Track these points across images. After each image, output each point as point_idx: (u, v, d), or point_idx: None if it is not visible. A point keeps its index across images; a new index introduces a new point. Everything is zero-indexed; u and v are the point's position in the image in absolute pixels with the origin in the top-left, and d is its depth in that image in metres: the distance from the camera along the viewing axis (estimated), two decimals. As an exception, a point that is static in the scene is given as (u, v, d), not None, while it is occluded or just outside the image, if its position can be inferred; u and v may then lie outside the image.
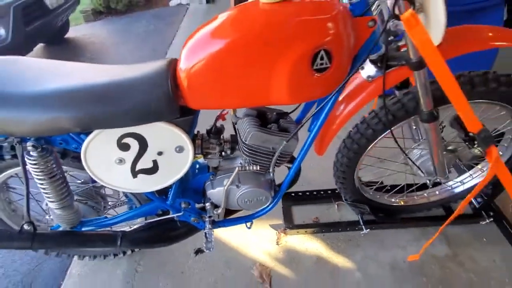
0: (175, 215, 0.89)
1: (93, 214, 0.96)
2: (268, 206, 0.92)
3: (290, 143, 0.78)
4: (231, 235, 1.23)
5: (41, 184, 0.75)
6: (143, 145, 0.72)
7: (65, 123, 0.63)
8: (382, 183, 1.16)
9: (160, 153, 0.74)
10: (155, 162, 0.75)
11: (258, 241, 1.22)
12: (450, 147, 0.91)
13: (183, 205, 0.88)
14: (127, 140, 0.70)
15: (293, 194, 1.33)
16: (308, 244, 1.19)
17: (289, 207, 1.32)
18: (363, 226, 1.15)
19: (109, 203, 1.07)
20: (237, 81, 0.62)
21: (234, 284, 1.09)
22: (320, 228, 1.21)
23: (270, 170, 0.84)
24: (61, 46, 3.83)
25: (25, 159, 0.71)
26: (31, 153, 0.70)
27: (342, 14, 0.60)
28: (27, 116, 0.62)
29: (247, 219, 0.96)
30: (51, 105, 0.62)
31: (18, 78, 0.66)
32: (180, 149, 0.74)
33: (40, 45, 3.73)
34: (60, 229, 0.88)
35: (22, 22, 2.46)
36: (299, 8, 0.59)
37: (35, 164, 0.71)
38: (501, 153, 1.02)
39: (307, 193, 1.33)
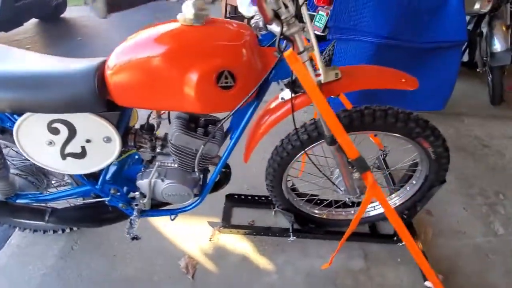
0: (105, 199, 0.97)
1: (32, 189, 1.03)
2: (193, 203, 1.01)
3: (209, 147, 0.86)
4: (170, 227, 1.31)
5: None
6: (72, 132, 0.80)
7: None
8: (311, 195, 1.25)
9: (88, 141, 0.82)
10: (83, 148, 0.83)
11: (193, 235, 1.30)
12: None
13: (112, 191, 0.96)
14: (57, 125, 0.78)
15: (236, 196, 1.41)
16: (238, 243, 1.27)
17: (230, 208, 1.40)
18: (291, 234, 1.24)
19: (54, 182, 1.14)
20: (154, 87, 0.71)
21: (159, 271, 1.16)
22: (253, 230, 1.30)
23: (196, 170, 0.93)
24: (54, 25, 3.87)
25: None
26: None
27: (249, 43, 0.70)
28: None
29: (172, 212, 1.04)
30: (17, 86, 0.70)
31: None
32: (107, 140, 0.82)
33: (34, 21, 3.77)
34: (-5, 198, 0.95)
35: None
36: (210, 34, 0.70)
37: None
38: (414, 181, 1.13)
39: (249, 197, 1.42)
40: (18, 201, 0.97)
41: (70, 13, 4.10)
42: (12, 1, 2.53)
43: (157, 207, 1.04)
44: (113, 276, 1.15)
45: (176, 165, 0.90)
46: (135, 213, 1.00)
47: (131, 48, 0.70)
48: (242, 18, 2.85)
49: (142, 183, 0.94)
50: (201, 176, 0.98)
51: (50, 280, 1.13)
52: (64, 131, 0.79)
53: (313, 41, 0.71)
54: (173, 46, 0.68)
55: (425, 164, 0.99)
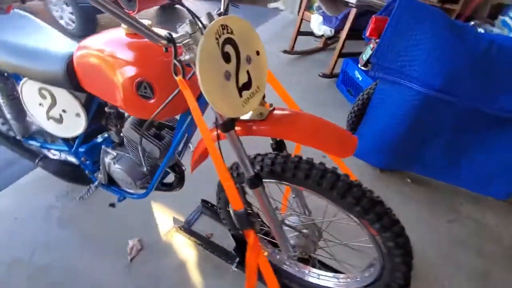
0: (76, 162, 1.13)
1: (40, 137, 1.27)
2: (139, 194, 1.07)
3: (151, 148, 0.90)
4: (144, 208, 1.42)
5: (3, 101, 1.08)
6: (54, 100, 0.96)
7: (5, 66, 0.91)
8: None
9: (64, 111, 0.97)
10: (61, 116, 0.98)
11: (156, 223, 1.37)
12: (295, 225, 0.87)
13: (82, 159, 1.10)
14: (44, 92, 0.95)
15: (209, 204, 1.42)
16: (186, 249, 1.28)
17: (199, 213, 1.42)
18: (234, 263, 1.17)
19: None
20: (98, 81, 0.79)
21: (110, 240, 1.28)
22: (204, 243, 1.28)
23: (143, 165, 0.98)
24: (170, 11, 4.60)
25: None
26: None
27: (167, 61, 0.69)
28: None
29: (122, 194, 1.13)
30: (3, 51, 0.91)
31: (9, 28, 0.97)
32: (77, 115, 0.96)
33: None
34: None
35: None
36: (139, 45, 0.72)
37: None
38: (371, 269, 0.90)
39: (220, 210, 1.40)
40: (28, 141, 1.22)
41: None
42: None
43: (114, 184, 1.14)
44: (81, 225, 1.34)
45: (131, 156, 0.98)
46: (95, 182, 1.13)
47: (87, 45, 0.80)
48: (312, 35, 2.78)
49: (102, 159, 1.05)
50: (150, 171, 1.02)
51: (40, 214, 1.38)
52: (48, 98, 0.96)
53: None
54: (109, 50, 0.74)
55: (376, 252, 0.78)
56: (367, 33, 1.42)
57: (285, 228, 0.90)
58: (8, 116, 1.13)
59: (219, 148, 0.65)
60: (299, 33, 2.83)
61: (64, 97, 0.93)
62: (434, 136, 1.42)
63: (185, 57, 0.60)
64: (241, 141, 0.71)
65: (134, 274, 1.19)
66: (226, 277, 1.20)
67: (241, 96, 0.65)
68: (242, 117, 0.75)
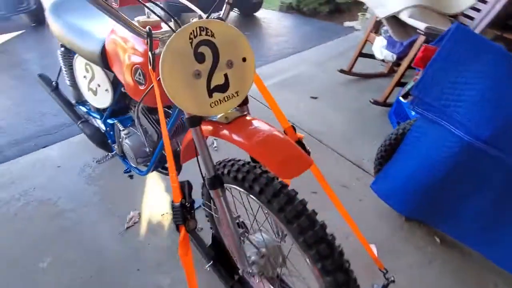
0: (103, 131, 1.31)
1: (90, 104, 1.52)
2: (141, 170, 1.18)
3: (151, 131, 1.00)
4: (156, 189, 1.56)
5: (65, 69, 1.33)
6: (93, 75, 1.14)
7: (67, 42, 1.13)
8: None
9: (98, 85, 1.14)
10: (96, 89, 1.16)
11: (159, 204, 1.48)
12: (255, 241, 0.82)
13: (107, 129, 1.28)
14: (88, 67, 1.14)
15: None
16: (175, 235, 1.35)
17: (199, 207, 1.48)
18: (211, 262, 1.18)
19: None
20: (117, 61, 0.91)
21: (116, 205, 1.43)
22: (192, 235, 1.33)
23: (146, 145, 1.09)
24: (244, 17, 4.91)
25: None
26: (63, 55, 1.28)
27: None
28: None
29: (129, 166, 1.25)
30: (66, 29, 1.13)
31: (74, 8, 1.20)
32: (107, 90, 1.12)
33: (235, 11, 4.95)
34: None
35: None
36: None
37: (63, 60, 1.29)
38: None
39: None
40: (79, 106, 1.47)
41: (261, 13, 5.04)
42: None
43: (126, 156, 1.28)
44: (103, 187, 1.54)
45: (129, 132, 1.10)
46: (113, 152, 1.29)
47: (115, 31, 0.92)
48: (373, 57, 2.60)
49: (117, 132, 1.20)
50: (152, 152, 1.12)
51: (77, 169, 1.64)
52: (90, 73, 1.15)
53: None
54: (125, 38, 0.85)
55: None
56: (414, 62, 1.27)
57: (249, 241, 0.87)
58: (68, 82, 1.38)
59: (178, 142, 0.68)
60: (361, 54, 2.68)
61: (99, 73, 1.10)
62: (472, 194, 1.18)
63: (157, 50, 0.65)
64: (205, 140, 0.72)
65: (124, 242, 1.31)
66: (199, 268, 1.21)
67: (211, 96, 0.67)
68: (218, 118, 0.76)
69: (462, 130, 1.11)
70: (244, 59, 0.71)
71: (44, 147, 1.85)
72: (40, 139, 1.99)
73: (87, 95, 1.24)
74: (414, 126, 1.34)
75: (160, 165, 1.19)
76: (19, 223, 1.38)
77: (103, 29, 1.08)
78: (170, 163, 0.68)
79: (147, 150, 1.11)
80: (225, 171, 0.78)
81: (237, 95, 0.72)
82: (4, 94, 2.60)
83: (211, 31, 0.64)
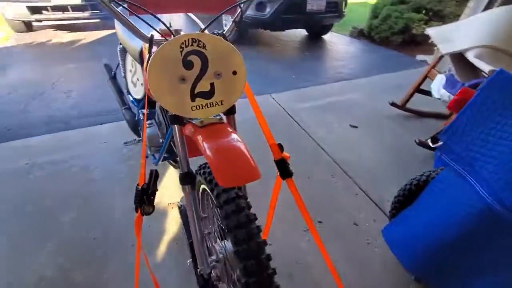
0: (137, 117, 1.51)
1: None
2: (155, 159, 1.32)
3: (163, 123, 1.12)
4: (170, 178, 1.70)
5: (121, 63, 1.59)
6: (135, 70, 1.34)
7: (122, 41, 1.35)
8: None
9: (137, 79, 1.34)
10: (136, 82, 1.36)
11: (171, 193, 1.61)
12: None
13: (139, 117, 1.47)
14: (133, 63, 1.35)
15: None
16: (174, 225, 1.45)
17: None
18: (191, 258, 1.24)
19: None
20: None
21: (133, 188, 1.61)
22: (186, 229, 1.40)
23: (159, 136, 1.22)
24: (311, 39, 4.98)
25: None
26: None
27: None
28: None
29: (148, 155, 1.40)
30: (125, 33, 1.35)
31: None
32: (142, 85, 1.30)
33: (301, 30, 5.07)
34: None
35: (281, 11, 3.59)
36: None
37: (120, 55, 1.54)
38: None
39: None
40: (127, 95, 1.72)
41: (328, 36, 5.04)
42: (281, 13, 3.65)
43: None
44: (131, 167, 1.74)
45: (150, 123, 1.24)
46: (140, 138, 1.47)
47: None
48: (429, 94, 2.36)
49: (141, 121, 1.37)
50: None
51: (117, 147, 1.90)
52: (134, 68, 1.35)
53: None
54: None
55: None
56: (448, 104, 1.14)
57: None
58: (122, 74, 1.64)
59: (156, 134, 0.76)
60: (420, 90, 2.46)
61: (139, 69, 1.29)
62: (489, 268, 0.98)
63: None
64: (183, 137, 0.79)
65: (131, 219, 1.46)
66: (178, 258, 1.28)
67: (193, 100, 0.74)
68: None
69: (486, 190, 0.95)
70: (234, 72, 0.76)
71: (101, 124, 2.20)
72: (101, 117, 2.37)
73: (130, 86, 1.46)
74: (439, 176, 1.18)
75: (171, 157, 1.31)
76: (59, 181, 1.67)
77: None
78: (143, 149, 0.78)
79: (160, 140, 1.24)
80: (202, 172, 0.84)
81: (221, 104, 0.77)
82: (91, 78, 3.17)
83: (203, 43, 0.72)
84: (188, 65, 0.71)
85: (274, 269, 0.65)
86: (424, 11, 4.22)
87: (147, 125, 1.30)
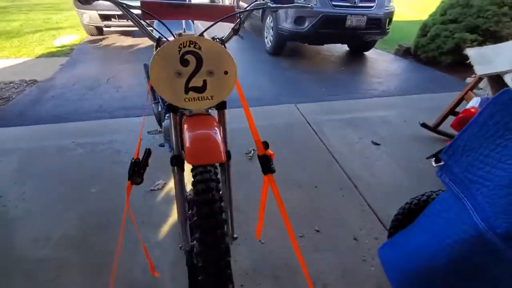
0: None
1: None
2: (169, 147, 1.47)
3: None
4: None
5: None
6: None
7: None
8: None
9: None
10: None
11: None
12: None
13: (163, 111, 1.65)
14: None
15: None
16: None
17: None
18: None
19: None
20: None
21: (153, 172, 1.79)
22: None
23: None
24: (352, 54, 4.91)
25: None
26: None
27: None
28: None
29: (164, 144, 1.56)
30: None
31: None
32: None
33: (344, 46, 5.04)
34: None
35: (319, 25, 3.66)
36: None
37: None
38: None
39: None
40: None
41: (370, 53, 4.92)
42: (318, 28, 3.71)
43: None
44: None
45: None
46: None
47: None
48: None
49: (161, 115, 1.54)
50: None
51: (148, 137, 2.13)
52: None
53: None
54: None
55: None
56: (451, 123, 1.10)
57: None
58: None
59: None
60: (454, 113, 2.30)
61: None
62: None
63: None
64: (177, 124, 0.91)
65: (143, 199, 1.64)
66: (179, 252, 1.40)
67: (187, 93, 0.86)
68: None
69: (480, 215, 0.90)
70: (226, 72, 0.87)
71: (137, 116, 2.48)
72: (139, 111, 2.66)
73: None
74: (439, 197, 1.13)
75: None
76: (95, 159, 1.93)
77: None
78: (141, 131, 0.92)
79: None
80: None
81: (211, 99, 0.88)
82: (138, 77, 3.57)
83: (199, 45, 0.84)
84: (184, 62, 0.83)
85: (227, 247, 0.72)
86: (479, 32, 3.92)
87: (166, 118, 1.46)
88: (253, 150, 2.08)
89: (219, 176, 1.00)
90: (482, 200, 0.90)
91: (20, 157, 1.96)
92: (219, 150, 0.77)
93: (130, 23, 5.27)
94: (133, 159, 0.89)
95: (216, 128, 0.84)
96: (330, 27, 3.77)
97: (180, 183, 0.93)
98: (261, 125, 2.42)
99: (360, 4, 3.85)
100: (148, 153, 0.89)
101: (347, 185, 1.84)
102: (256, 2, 0.94)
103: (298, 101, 2.94)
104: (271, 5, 0.95)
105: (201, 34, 0.90)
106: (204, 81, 0.86)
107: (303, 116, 2.65)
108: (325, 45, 5.17)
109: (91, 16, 4.84)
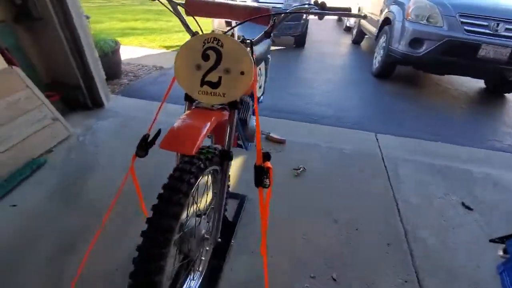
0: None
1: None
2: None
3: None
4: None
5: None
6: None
7: None
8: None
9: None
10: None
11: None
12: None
13: None
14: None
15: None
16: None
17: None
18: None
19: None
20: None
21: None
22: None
23: None
24: (491, 94, 3.92)
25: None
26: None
27: None
28: None
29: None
30: None
31: None
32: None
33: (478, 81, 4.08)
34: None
35: (439, 52, 3.09)
36: None
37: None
38: None
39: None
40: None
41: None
42: (438, 54, 3.10)
43: None
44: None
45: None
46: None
47: None
48: None
49: None
50: None
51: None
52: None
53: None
54: None
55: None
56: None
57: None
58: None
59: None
60: None
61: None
62: None
63: None
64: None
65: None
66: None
67: (202, 86, 0.88)
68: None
69: None
70: (242, 73, 0.86)
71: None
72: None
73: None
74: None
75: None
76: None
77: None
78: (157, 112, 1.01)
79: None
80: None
81: (223, 96, 0.88)
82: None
83: (222, 43, 0.85)
84: (205, 57, 0.86)
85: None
86: None
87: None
88: (304, 168, 1.94)
89: (217, 177, 0.99)
90: None
91: (122, 120, 2.47)
92: (192, 142, 0.76)
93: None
94: (144, 134, 0.98)
95: (208, 124, 0.84)
96: (455, 55, 3.09)
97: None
98: (323, 146, 2.23)
99: (504, 33, 3.01)
100: (158, 133, 0.96)
101: (398, 243, 1.48)
102: (297, 6, 0.88)
103: (382, 130, 2.56)
104: (314, 10, 0.86)
105: (226, 33, 0.91)
106: (220, 78, 0.87)
107: (379, 147, 2.29)
108: (449, 77, 4.30)
109: (220, 22, 5.67)
